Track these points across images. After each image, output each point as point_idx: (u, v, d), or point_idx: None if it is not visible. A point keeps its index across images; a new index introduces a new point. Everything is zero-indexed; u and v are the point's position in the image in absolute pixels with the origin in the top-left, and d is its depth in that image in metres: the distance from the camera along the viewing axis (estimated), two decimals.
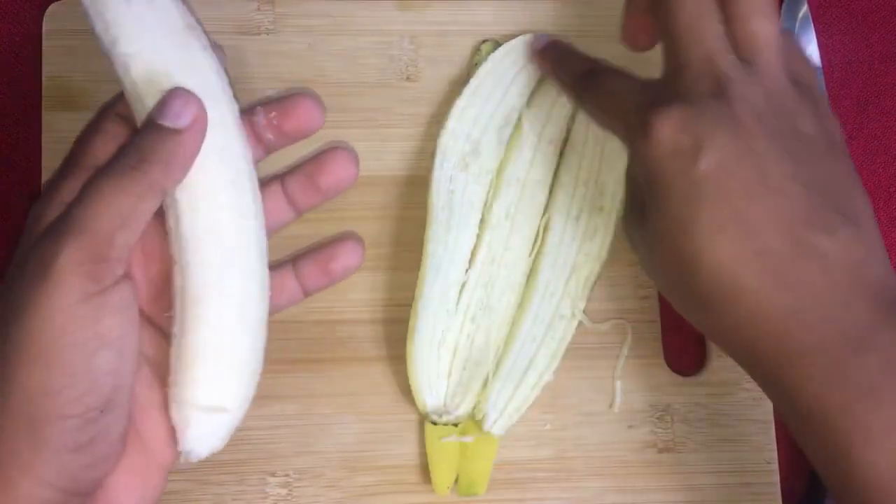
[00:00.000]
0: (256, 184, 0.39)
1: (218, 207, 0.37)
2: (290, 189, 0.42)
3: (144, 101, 0.37)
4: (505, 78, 0.51)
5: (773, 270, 0.36)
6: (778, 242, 0.36)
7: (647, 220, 0.39)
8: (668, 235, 0.38)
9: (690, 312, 0.40)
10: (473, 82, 0.51)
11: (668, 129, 0.38)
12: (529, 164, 0.50)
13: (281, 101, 0.41)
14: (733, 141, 0.37)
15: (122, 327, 0.34)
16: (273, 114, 0.40)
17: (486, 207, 0.50)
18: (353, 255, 0.44)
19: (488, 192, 0.50)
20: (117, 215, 0.34)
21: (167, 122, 0.35)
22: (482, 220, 0.50)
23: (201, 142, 0.36)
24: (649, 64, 0.55)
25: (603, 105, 0.43)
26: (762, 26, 0.39)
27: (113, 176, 0.34)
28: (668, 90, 0.40)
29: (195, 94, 0.36)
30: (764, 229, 0.36)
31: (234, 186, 0.38)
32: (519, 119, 0.51)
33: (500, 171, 0.50)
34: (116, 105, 0.39)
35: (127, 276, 0.35)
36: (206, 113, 0.36)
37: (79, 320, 0.33)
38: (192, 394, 0.36)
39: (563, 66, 0.48)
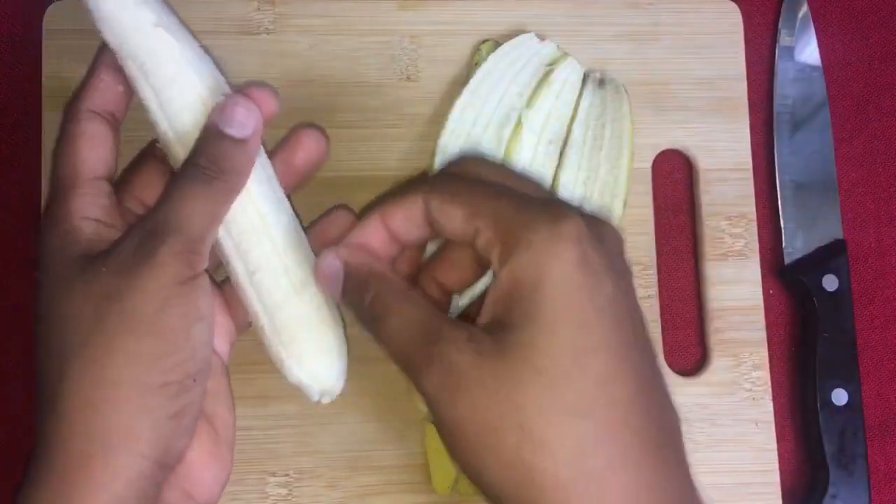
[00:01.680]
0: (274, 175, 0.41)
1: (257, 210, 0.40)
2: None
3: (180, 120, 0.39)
4: (505, 77, 0.51)
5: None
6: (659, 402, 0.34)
7: (509, 344, 0.33)
8: (544, 369, 0.32)
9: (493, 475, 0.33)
10: (473, 82, 0.51)
11: (581, 229, 0.34)
12: (529, 164, 0.50)
13: (284, 141, 0.42)
14: (627, 279, 0.35)
15: (209, 306, 0.38)
16: (282, 154, 0.42)
17: None
18: (316, 143, 0.42)
19: None
20: (207, 217, 0.37)
21: (235, 133, 0.38)
22: None
23: (259, 145, 0.39)
24: (649, 60, 0.55)
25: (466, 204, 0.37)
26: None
27: (196, 183, 0.37)
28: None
29: (252, 102, 0.39)
30: (650, 383, 0.34)
31: (268, 184, 0.40)
32: (519, 119, 0.51)
33: None
34: (83, 101, 0.40)
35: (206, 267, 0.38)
36: (261, 116, 0.39)
37: (179, 296, 0.36)
38: (314, 356, 0.40)
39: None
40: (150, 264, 0.36)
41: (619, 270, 0.35)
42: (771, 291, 0.54)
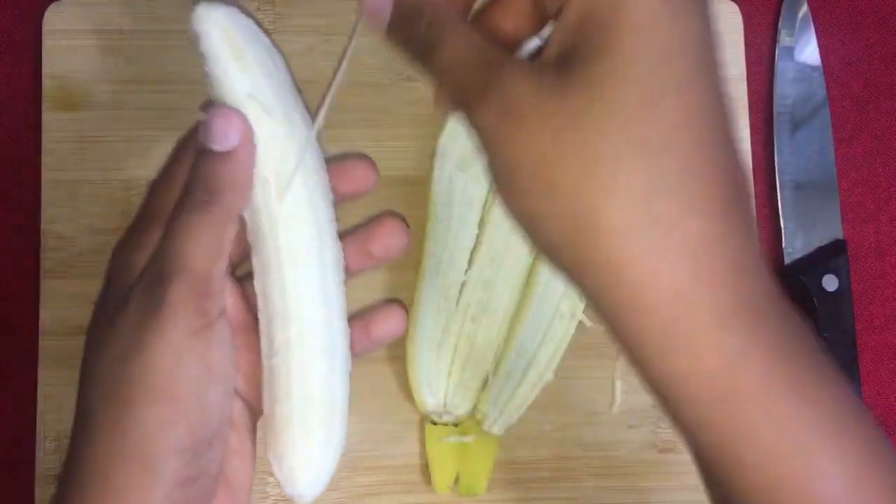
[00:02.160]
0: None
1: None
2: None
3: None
4: None
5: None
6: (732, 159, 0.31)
7: (580, 76, 0.29)
8: (620, 103, 0.29)
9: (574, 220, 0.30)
10: None
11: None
12: None
13: (336, 162, 0.39)
14: (707, 24, 0.30)
15: (225, 361, 0.35)
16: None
17: (486, 207, 0.50)
18: (397, 233, 0.39)
19: (488, 191, 0.50)
20: (209, 249, 0.34)
21: (218, 146, 0.35)
22: (482, 220, 0.50)
23: (255, 153, 0.36)
24: None
25: None
26: None
27: (192, 212, 0.34)
28: None
29: (233, 108, 0.35)
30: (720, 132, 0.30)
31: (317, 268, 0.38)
32: None
33: None
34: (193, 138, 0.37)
35: (223, 312, 0.36)
36: (248, 123, 0.35)
37: (191, 354, 0.34)
38: (293, 460, 0.38)
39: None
40: (158, 315, 0.33)
41: (707, 16, 0.30)
42: None
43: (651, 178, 0.29)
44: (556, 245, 0.30)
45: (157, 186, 0.37)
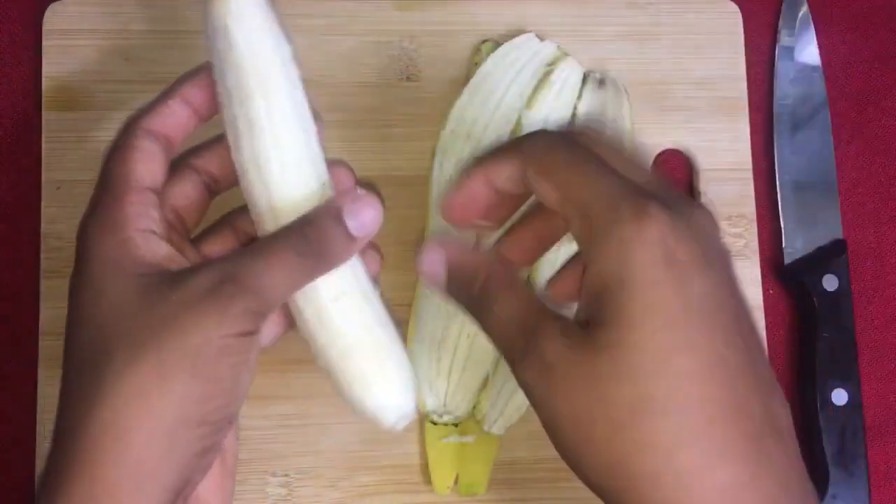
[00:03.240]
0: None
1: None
2: None
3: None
4: (505, 78, 0.51)
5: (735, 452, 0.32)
6: (757, 400, 0.34)
7: (606, 335, 0.33)
8: (636, 359, 0.32)
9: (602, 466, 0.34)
10: (473, 82, 0.51)
11: (664, 222, 0.33)
12: None
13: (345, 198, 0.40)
14: (722, 270, 0.34)
15: (257, 357, 0.39)
16: None
17: None
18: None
19: None
20: (289, 288, 0.38)
21: (354, 231, 0.38)
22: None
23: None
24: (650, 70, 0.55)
25: (567, 174, 0.35)
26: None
27: (294, 254, 0.37)
28: (641, 191, 0.34)
29: (381, 208, 0.38)
30: (741, 378, 0.33)
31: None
32: (518, 119, 0.51)
33: None
34: (143, 120, 0.40)
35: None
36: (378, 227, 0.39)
37: (237, 347, 0.37)
38: (373, 404, 0.39)
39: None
40: (221, 312, 0.36)
41: (712, 259, 0.33)
42: (771, 291, 0.54)
43: (672, 434, 0.32)
44: (599, 486, 0.34)
45: (113, 160, 0.39)
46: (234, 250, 0.41)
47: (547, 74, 0.51)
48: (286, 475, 0.49)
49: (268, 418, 0.49)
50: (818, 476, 0.52)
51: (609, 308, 0.33)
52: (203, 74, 0.41)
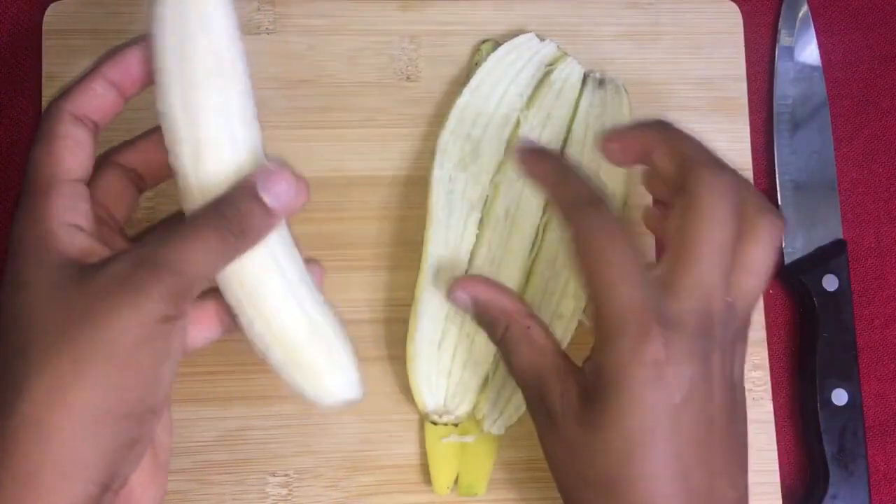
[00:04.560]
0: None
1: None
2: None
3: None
4: (505, 77, 0.51)
5: None
6: (703, 489, 0.39)
7: (593, 414, 0.39)
8: (612, 444, 0.38)
9: None
10: (473, 82, 0.51)
11: (660, 346, 0.38)
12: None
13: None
14: (703, 384, 0.39)
15: (181, 344, 0.38)
16: None
17: (486, 207, 0.50)
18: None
19: (488, 192, 0.50)
20: (209, 266, 0.38)
21: (270, 202, 0.38)
22: (482, 220, 0.50)
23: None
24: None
25: (597, 257, 0.39)
26: (757, 285, 0.41)
27: (213, 231, 0.37)
28: (666, 302, 0.39)
29: (301, 182, 0.39)
30: (695, 475, 0.38)
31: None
32: (518, 119, 0.51)
33: (499, 171, 0.50)
34: (68, 103, 0.39)
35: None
36: (299, 201, 0.39)
37: (158, 335, 0.36)
38: (314, 379, 0.41)
39: (566, 186, 0.42)
40: (137, 297, 0.36)
41: (697, 382, 0.39)
42: (771, 291, 0.54)
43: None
44: None
45: (39, 149, 0.39)
46: (152, 235, 0.41)
47: (547, 74, 0.51)
48: (286, 475, 0.49)
49: (268, 418, 0.49)
50: (818, 476, 0.52)
51: (603, 389, 0.39)
52: (129, 53, 0.40)
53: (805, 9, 0.57)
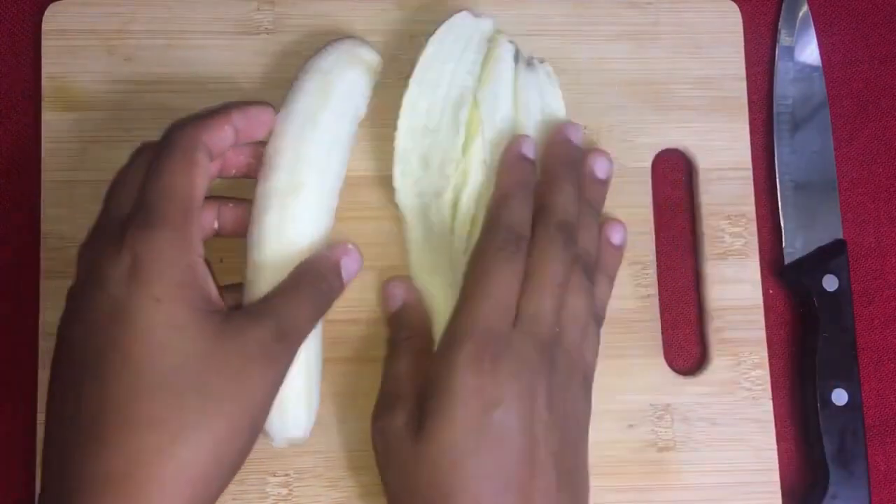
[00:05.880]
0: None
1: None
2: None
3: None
4: (450, 59, 0.49)
5: None
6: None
7: (422, 423, 0.41)
8: (432, 453, 0.40)
9: None
10: (418, 71, 0.49)
11: (490, 360, 0.41)
12: (491, 145, 0.49)
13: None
14: (524, 405, 0.41)
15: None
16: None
17: (455, 198, 0.49)
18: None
19: (457, 182, 0.49)
20: (309, 322, 0.42)
21: (346, 277, 0.45)
22: (455, 209, 0.49)
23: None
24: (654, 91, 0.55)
25: (481, 272, 0.44)
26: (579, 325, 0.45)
27: (315, 307, 0.42)
28: (510, 328, 0.43)
29: (359, 256, 0.46)
30: (511, 495, 0.40)
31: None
32: (474, 98, 0.49)
33: (464, 156, 0.49)
34: (205, 134, 0.41)
35: None
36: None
37: (274, 395, 0.40)
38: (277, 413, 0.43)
39: (509, 202, 0.47)
40: (276, 366, 0.39)
41: (511, 403, 0.41)
42: (771, 291, 0.54)
43: None
44: None
45: (177, 172, 0.39)
46: (271, 296, 0.42)
47: (490, 50, 0.50)
48: (286, 475, 0.49)
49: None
50: (818, 476, 0.52)
51: (432, 404, 0.41)
52: (260, 110, 0.44)
53: (805, 9, 0.57)
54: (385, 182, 0.51)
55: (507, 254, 0.43)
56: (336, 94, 0.46)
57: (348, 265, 0.44)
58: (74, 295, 0.39)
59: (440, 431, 0.40)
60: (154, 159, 0.40)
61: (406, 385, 0.44)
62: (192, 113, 0.44)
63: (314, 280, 0.42)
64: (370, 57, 0.49)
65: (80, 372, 0.36)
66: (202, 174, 0.39)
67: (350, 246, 0.45)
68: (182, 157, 0.39)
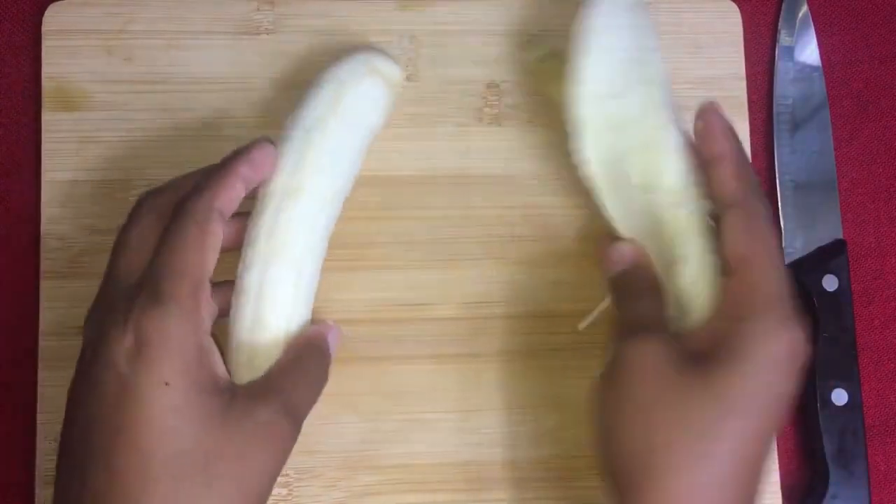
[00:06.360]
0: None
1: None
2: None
3: None
4: (621, 23, 0.47)
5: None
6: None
7: (707, 368, 0.41)
8: (722, 398, 0.40)
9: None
10: (591, 39, 0.46)
11: (800, 333, 0.41)
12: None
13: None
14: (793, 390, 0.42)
15: None
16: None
17: (651, 156, 0.46)
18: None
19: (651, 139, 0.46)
20: (313, 398, 0.43)
21: (332, 353, 0.45)
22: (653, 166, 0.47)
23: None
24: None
25: (764, 239, 0.44)
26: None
27: (314, 382, 0.43)
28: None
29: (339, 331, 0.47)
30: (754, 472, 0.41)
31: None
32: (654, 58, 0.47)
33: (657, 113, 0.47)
34: (217, 201, 0.40)
35: None
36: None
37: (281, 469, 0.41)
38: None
39: (744, 169, 0.45)
40: (286, 444, 0.39)
41: (793, 384, 0.41)
42: None
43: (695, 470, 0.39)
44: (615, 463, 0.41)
45: (192, 244, 0.39)
46: (274, 374, 0.42)
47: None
48: (286, 475, 0.49)
49: None
50: (818, 476, 0.52)
51: (728, 358, 0.40)
52: (261, 152, 0.43)
53: (805, 9, 0.57)
54: (385, 182, 0.51)
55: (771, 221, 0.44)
56: (347, 102, 0.46)
57: (333, 341, 0.45)
58: (82, 367, 0.38)
59: (731, 381, 0.40)
60: (165, 232, 0.39)
61: (657, 318, 0.44)
62: (199, 169, 0.43)
63: (315, 355, 0.43)
64: (389, 70, 0.49)
65: (86, 452, 0.36)
66: (215, 245, 0.39)
67: (331, 322, 0.46)
68: (196, 230, 0.39)
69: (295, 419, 0.40)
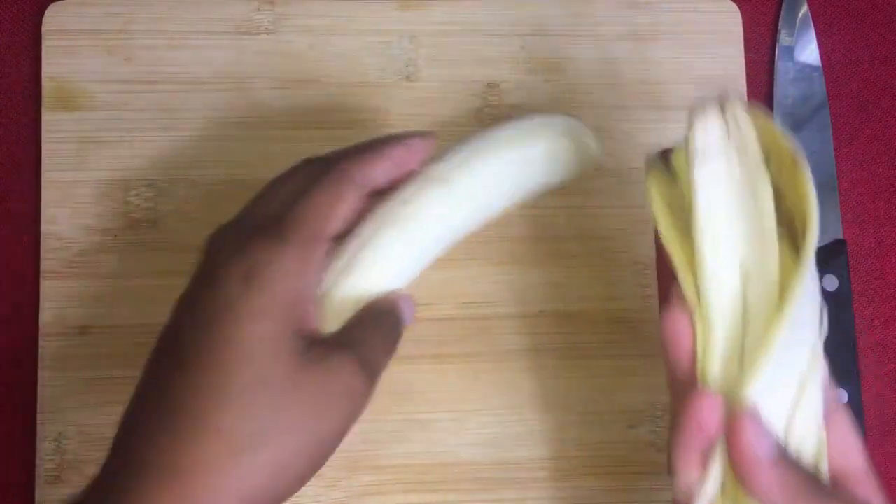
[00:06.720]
0: None
1: None
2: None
3: None
4: (723, 148, 0.41)
5: None
6: None
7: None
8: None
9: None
10: (700, 163, 0.40)
11: None
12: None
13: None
14: None
15: None
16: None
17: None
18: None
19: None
20: (387, 356, 0.42)
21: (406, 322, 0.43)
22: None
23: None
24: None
25: None
26: None
27: (391, 343, 0.42)
28: None
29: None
30: None
31: None
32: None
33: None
34: (359, 173, 0.41)
35: None
36: None
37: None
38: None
39: None
40: (364, 400, 0.39)
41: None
42: None
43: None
44: None
45: (322, 196, 0.40)
46: (350, 328, 0.42)
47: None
48: None
49: None
50: None
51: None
52: (417, 140, 0.42)
53: (805, 9, 0.57)
54: None
55: None
56: (512, 151, 0.43)
57: (409, 314, 0.44)
58: (198, 278, 0.40)
59: None
60: (309, 183, 0.41)
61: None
62: (364, 141, 0.43)
63: (391, 318, 0.42)
64: (592, 146, 0.45)
65: (173, 362, 0.37)
66: (346, 210, 0.40)
67: (409, 297, 0.44)
68: (334, 190, 0.40)
69: (370, 374, 0.40)
